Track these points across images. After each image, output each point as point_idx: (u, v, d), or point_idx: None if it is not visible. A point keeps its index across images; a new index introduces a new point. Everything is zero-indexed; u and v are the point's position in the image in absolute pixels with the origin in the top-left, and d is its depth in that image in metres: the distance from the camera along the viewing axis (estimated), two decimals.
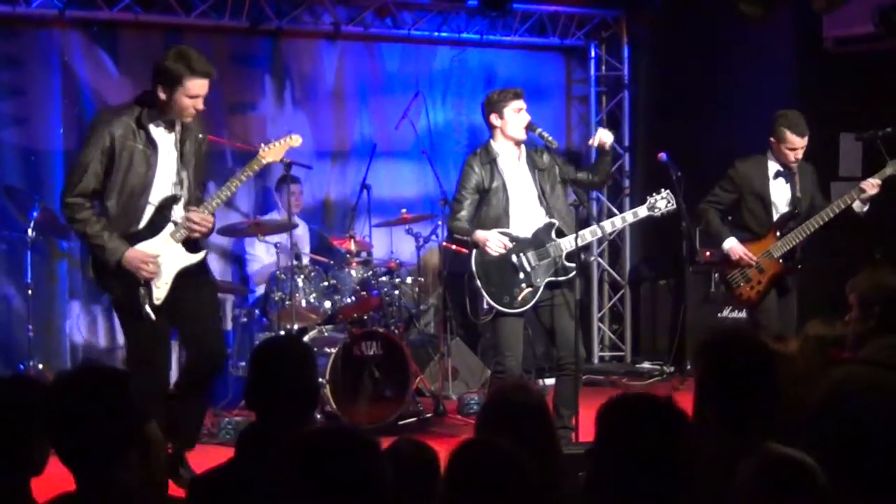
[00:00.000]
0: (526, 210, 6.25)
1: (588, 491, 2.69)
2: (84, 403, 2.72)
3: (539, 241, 6.21)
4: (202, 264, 5.62)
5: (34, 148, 8.09)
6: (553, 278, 6.20)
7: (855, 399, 3.40)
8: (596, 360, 10.28)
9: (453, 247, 7.38)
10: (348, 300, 7.64)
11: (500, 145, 6.25)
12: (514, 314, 6.15)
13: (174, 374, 6.36)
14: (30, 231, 7.38)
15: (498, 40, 9.82)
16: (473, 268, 6.16)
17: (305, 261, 8.10)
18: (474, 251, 6.17)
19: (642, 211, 6.37)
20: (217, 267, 8.62)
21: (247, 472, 3.14)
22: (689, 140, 9.20)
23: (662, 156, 6.91)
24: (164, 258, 5.36)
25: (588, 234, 6.29)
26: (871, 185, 6.57)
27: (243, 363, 7.60)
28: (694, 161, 7.76)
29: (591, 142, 6.42)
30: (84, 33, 8.22)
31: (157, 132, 5.33)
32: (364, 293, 7.68)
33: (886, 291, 3.73)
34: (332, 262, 8.12)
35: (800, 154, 6.68)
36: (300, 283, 7.50)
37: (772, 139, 6.72)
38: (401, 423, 7.37)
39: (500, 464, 2.63)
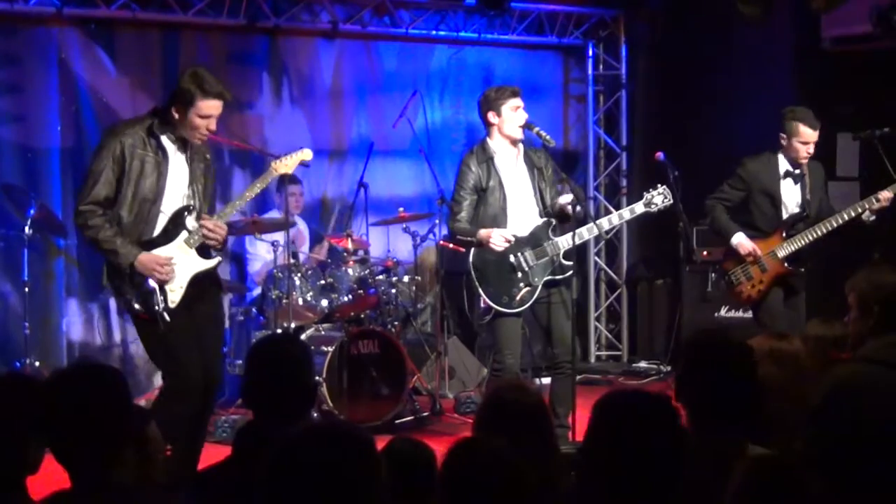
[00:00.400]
0: (523, 209, 6.25)
1: (581, 487, 2.69)
2: (79, 401, 2.71)
3: (536, 240, 6.21)
4: (216, 289, 5.65)
5: (31, 145, 8.08)
6: (551, 277, 6.20)
7: (855, 397, 3.40)
8: (593, 360, 10.28)
9: (451, 245, 7.38)
10: (345, 299, 7.63)
11: (496, 143, 6.24)
12: (512, 314, 6.15)
13: None
14: (27, 229, 7.38)
15: (496, 39, 9.82)
16: (471, 268, 6.16)
17: (302, 258, 8.09)
18: (472, 251, 6.16)
19: (639, 207, 6.35)
20: None
21: (244, 470, 3.13)
22: (686, 139, 9.21)
23: (660, 155, 6.89)
24: (178, 263, 5.39)
25: (585, 232, 6.28)
26: (886, 199, 6.56)
27: (240, 361, 7.59)
28: (691, 161, 7.76)
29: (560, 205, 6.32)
30: (81, 31, 8.21)
31: (168, 144, 5.40)
32: (361, 292, 7.68)
33: (885, 290, 3.73)
34: (329, 260, 8.11)
35: (811, 149, 6.66)
36: (297, 282, 7.50)
37: (782, 135, 6.69)
38: (398, 421, 7.37)
39: (495, 463, 2.62)
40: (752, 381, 3.17)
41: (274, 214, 8.29)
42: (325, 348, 7.27)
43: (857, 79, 8.55)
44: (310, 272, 7.70)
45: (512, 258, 6.14)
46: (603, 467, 2.64)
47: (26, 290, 7.50)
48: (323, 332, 7.63)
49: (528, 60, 10.12)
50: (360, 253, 8.16)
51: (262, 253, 8.33)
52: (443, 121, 9.70)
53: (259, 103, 8.97)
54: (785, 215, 6.78)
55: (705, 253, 9.15)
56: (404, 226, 8.39)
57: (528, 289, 6.14)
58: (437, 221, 8.29)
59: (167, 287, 5.34)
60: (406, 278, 8.37)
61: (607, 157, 10.52)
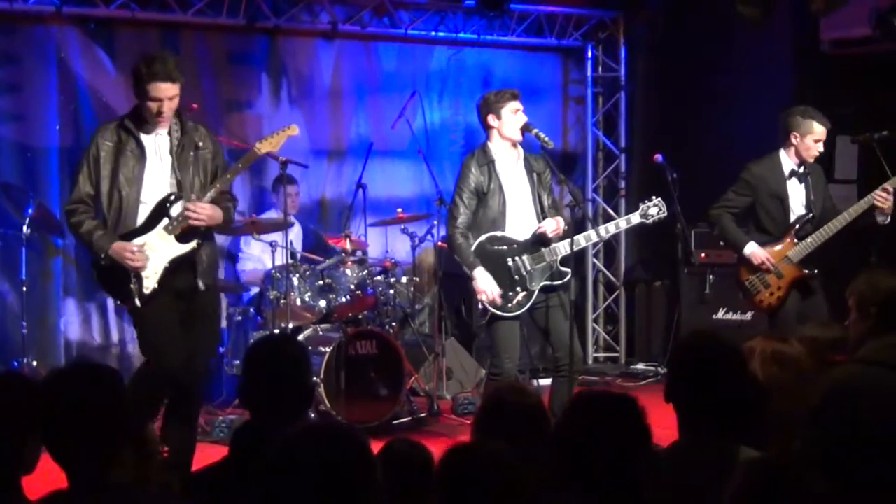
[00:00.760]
0: (522, 213, 6.24)
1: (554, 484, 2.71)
2: (76, 401, 2.71)
3: (534, 245, 6.21)
4: (207, 285, 5.64)
5: (30, 145, 8.08)
6: (548, 282, 6.20)
7: (853, 398, 3.40)
8: (591, 362, 10.28)
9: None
10: (343, 299, 7.63)
11: (496, 147, 6.23)
12: (509, 317, 6.14)
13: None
14: (25, 228, 7.39)
15: (495, 40, 9.82)
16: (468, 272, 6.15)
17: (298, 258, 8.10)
18: (471, 253, 6.15)
19: (635, 218, 6.36)
20: None
21: (241, 470, 3.13)
22: (685, 141, 9.22)
23: (658, 157, 6.89)
24: (155, 250, 5.47)
25: (582, 240, 6.27)
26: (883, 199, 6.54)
27: (237, 361, 7.59)
28: (690, 162, 7.77)
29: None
30: (81, 30, 8.22)
31: (146, 135, 5.50)
32: (359, 292, 7.67)
33: (882, 293, 3.74)
34: (327, 260, 8.11)
35: (821, 147, 6.66)
36: (295, 282, 7.50)
37: (795, 134, 6.63)
38: (395, 422, 7.37)
39: (492, 465, 2.63)
40: (743, 382, 3.17)
41: (271, 214, 8.30)
42: (322, 349, 7.27)
43: (856, 81, 8.56)
44: (308, 273, 7.70)
45: (510, 262, 6.14)
46: (569, 464, 2.67)
47: (24, 289, 7.51)
48: (321, 333, 7.63)
49: (527, 62, 10.12)
50: (359, 254, 8.16)
51: (255, 253, 8.33)
52: (442, 122, 9.70)
53: (258, 103, 8.97)
54: (792, 217, 6.76)
55: (703, 255, 9.16)
56: (403, 227, 8.39)
57: (524, 293, 6.14)
58: (435, 222, 8.29)
59: (142, 274, 5.43)
60: (404, 279, 8.37)
61: (606, 159, 10.52)
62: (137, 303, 5.42)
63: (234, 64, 8.88)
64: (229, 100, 8.83)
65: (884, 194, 6.51)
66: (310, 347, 7.24)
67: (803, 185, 6.73)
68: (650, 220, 6.31)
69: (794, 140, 6.65)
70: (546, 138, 6.18)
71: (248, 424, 3.42)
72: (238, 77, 8.90)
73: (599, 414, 2.75)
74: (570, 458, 2.69)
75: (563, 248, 6.18)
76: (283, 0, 8.79)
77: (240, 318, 7.93)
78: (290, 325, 7.26)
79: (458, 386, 8.51)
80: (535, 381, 7.90)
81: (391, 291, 8.07)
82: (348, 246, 7.83)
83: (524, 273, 6.14)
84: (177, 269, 5.51)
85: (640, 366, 9.81)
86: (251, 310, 7.91)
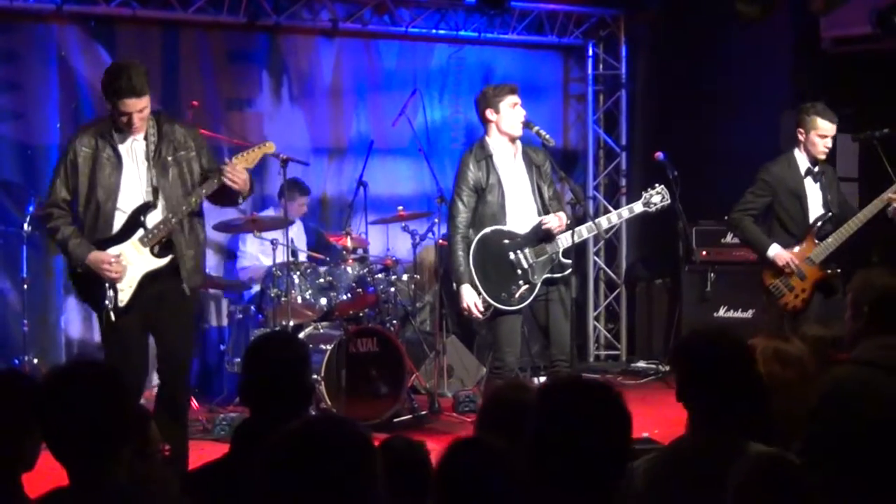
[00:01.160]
0: (522, 206, 6.24)
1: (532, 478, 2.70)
2: (77, 399, 2.70)
3: (536, 237, 6.21)
4: (179, 283, 5.55)
5: (31, 142, 8.08)
6: (549, 275, 6.19)
7: (846, 400, 3.40)
8: (591, 359, 10.28)
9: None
10: (344, 297, 7.63)
11: (494, 141, 6.23)
12: (511, 311, 6.14)
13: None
14: (26, 226, 7.39)
15: (496, 38, 9.82)
16: (471, 265, 6.15)
17: (302, 257, 8.10)
18: (472, 247, 6.15)
19: (638, 207, 6.35)
20: (211, 262, 8.61)
21: (241, 467, 3.13)
22: (685, 139, 9.21)
23: (659, 155, 6.88)
24: (130, 262, 5.42)
25: (585, 231, 6.27)
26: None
27: (238, 359, 7.59)
28: (690, 160, 7.76)
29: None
30: (81, 28, 8.22)
31: (123, 141, 5.45)
32: (360, 290, 7.67)
33: (875, 292, 3.73)
34: (328, 258, 8.11)
35: (829, 143, 6.63)
36: (296, 280, 7.50)
37: (800, 131, 6.65)
38: (396, 420, 7.36)
39: (492, 462, 2.62)
40: (752, 377, 3.16)
41: (271, 212, 8.29)
42: (323, 346, 7.27)
43: (857, 80, 8.55)
44: (309, 270, 7.70)
45: (511, 255, 6.14)
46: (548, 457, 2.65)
47: (25, 286, 7.50)
48: (321, 331, 7.62)
49: (527, 60, 10.11)
50: (360, 251, 8.16)
51: (253, 251, 8.32)
52: (442, 119, 9.70)
53: (259, 101, 8.97)
54: (811, 216, 6.74)
55: (704, 253, 9.16)
56: (403, 224, 8.39)
57: (527, 286, 6.14)
58: (436, 220, 8.29)
59: (118, 286, 5.39)
60: (405, 277, 8.37)
61: (607, 157, 10.52)
62: (112, 316, 5.39)
63: (234, 62, 8.87)
64: (230, 98, 8.83)
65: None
66: (310, 345, 7.24)
67: (818, 184, 6.72)
68: (653, 209, 6.30)
69: (801, 137, 6.66)
70: (547, 136, 6.18)
71: (248, 422, 3.42)
72: (239, 75, 8.90)
73: (574, 401, 2.69)
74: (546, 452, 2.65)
75: (564, 239, 6.18)
76: None
77: (240, 316, 7.93)
78: (291, 323, 7.26)
79: (459, 384, 8.51)
80: (535, 379, 7.90)
81: (392, 289, 8.07)
82: (349, 244, 7.83)
83: (526, 266, 6.14)
84: (157, 275, 5.46)
85: (641, 363, 9.81)
86: (252, 308, 7.90)
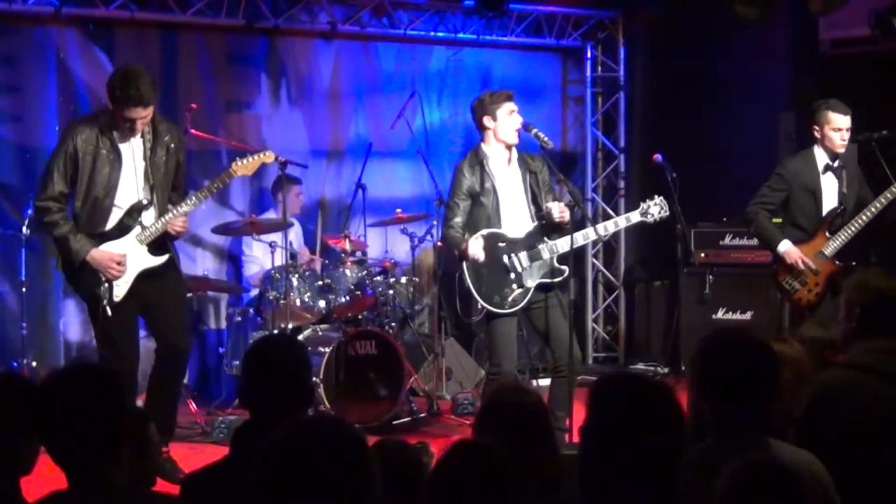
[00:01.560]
0: (516, 211, 6.25)
1: (582, 470, 2.68)
2: (76, 402, 2.70)
3: (531, 242, 6.21)
4: (172, 264, 5.87)
5: (29, 145, 8.08)
6: (544, 280, 6.19)
7: (834, 404, 3.40)
8: (590, 361, 10.27)
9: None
10: (343, 300, 7.63)
11: (490, 148, 6.26)
12: (506, 315, 6.14)
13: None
14: (24, 228, 7.39)
15: (494, 40, 9.82)
16: (465, 268, 6.16)
17: (302, 259, 8.10)
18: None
19: (635, 216, 6.36)
20: (212, 266, 8.64)
21: (241, 470, 3.13)
22: (684, 141, 9.20)
23: (658, 157, 6.89)
24: (128, 259, 5.61)
25: (580, 238, 6.27)
26: None
27: (237, 362, 7.58)
28: (689, 162, 7.76)
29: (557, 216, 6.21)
30: (80, 31, 8.22)
31: (122, 139, 5.59)
32: (359, 293, 7.67)
33: (867, 294, 3.70)
34: (326, 261, 8.11)
35: (846, 135, 6.65)
36: (295, 283, 7.50)
37: (815, 127, 6.69)
38: (395, 422, 7.36)
39: (488, 465, 2.62)
40: (776, 379, 3.15)
41: (270, 215, 8.29)
42: (322, 349, 7.26)
43: (855, 81, 8.54)
44: (307, 273, 7.69)
45: (506, 259, 6.14)
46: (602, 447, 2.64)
47: (24, 289, 7.50)
48: (320, 333, 7.62)
49: (526, 62, 10.11)
50: (358, 254, 8.16)
51: (259, 255, 8.31)
52: (441, 122, 9.70)
53: (257, 103, 8.97)
54: (825, 211, 6.75)
55: (703, 255, 9.15)
56: (402, 227, 8.39)
57: (520, 290, 6.14)
58: (434, 223, 8.29)
59: (114, 282, 5.58)
60: (404, 279, 8.37)
61: (605, 159, 10.52)
62: (108, 311, 5.59)
63: (233, 64, 8.87)
64: (228, 100, 8.83)
65: None
66: (309, 348, 7.24)
67: (837, 179, 6.73)
68: (651, 220, 6.30)
69: (816, 133, 6.70)
70: (545, 138, 6.20)
71: (247, 424, 3.41)
72: (237, 77, 8.90)
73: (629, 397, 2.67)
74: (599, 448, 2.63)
75: (561, 245, 6.18)
76: (282, 0, 8.78)
77: (239, 318, 7.92)
78: (290, 326, 7.26)
79: (458, 386, 8.51)
80: (534, 382, 7.90)
81: (391, 292, 8.07)
82: (348, 246, 7.83)
83: (520, 270, 6.14)
84: (153, 270, 5.73)
85: (640, 366, 9.80)
86: (251, 310, 7.90)
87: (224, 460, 3.34)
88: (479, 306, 6.16)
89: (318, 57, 9.20)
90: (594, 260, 10.47)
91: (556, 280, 6.22)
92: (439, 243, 8.33)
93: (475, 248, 6.08)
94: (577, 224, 6.35)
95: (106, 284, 5.59)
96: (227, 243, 8.72)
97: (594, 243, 10.10)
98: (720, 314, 9.07)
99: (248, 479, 2.28)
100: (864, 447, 3.29)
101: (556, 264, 6.22)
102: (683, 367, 8.70)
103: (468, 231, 6.18)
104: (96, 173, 5.52)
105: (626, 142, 10.41)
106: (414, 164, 9.08)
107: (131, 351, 5.68)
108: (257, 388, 3.39)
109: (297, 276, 7.54)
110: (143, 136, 5.60)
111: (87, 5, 8.07)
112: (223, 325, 8.46)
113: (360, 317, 7.77)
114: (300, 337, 7.44)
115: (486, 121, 6.23)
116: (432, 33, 9.55)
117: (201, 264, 8.55)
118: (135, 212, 5.61)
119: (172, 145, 5.74)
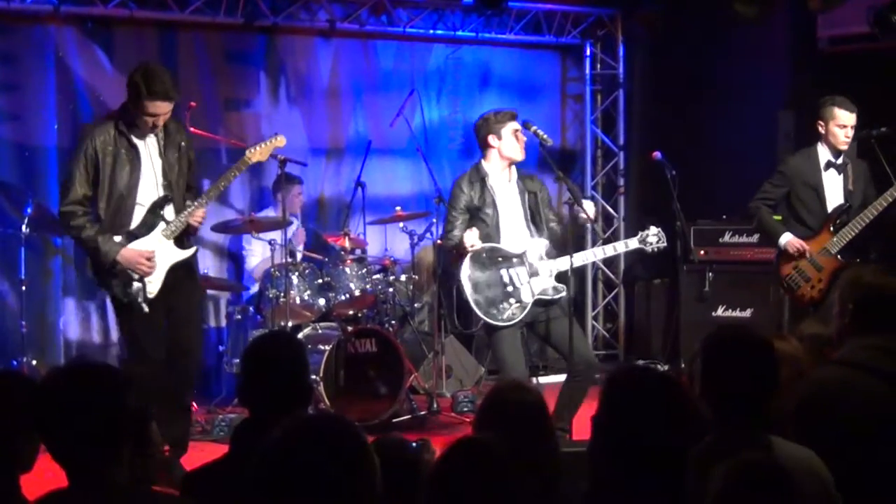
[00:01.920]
0: (515, 228, 6.30)
1: (592, 462, 2.69)
2: (76, 400, 2.70)
3: (530, 259, 6.23)
4: (193, 268, 5.96)
5: (28, 144, 8.08)
6: (541, 297, 6.20)
7: (827, 402, 3.40)
8: None
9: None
10: (343, 298, 7.63)
11: (491, 165, 6.30)
12: (504, 327, 6.13)
13: None
14: (24, 227, 7.38)
15: (493, 38, 9.82)
16: (462, 280, 6.16)
17: (299, 257, 8.09)
18: (464, 263, 6.15)
19: (633, 242, 6.45)
20: (212, 264, 8.64)
21: (240, 468, 3.12)
22: (683, 139, 9.20)
23: (657, 155, 6.91)
24: (157, 254, 5.69)
25: (578, 259, 6.29)
26: None
27: (237, 360, 7.58)
28: (688, 160, 7.76)
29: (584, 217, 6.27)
30: (79, 29, 8.22)
31: (140, 137, 5.66)
32: (358, 291, 7.67)
33: (860, 290, 3.68)
34: (326, 259, 8.11)
35: (850, 132, 6.67)
36: (295, 281, 7.50)
37: (820, 123, 6.71)
38: (395, 420, 7.36)
39: (487, 463, 2.62)
40: (777, 376, 3.16)
41: (269, 213, 8.29)
42: (322, 347, 7.27)
43: (854, 79, 8.54)
44: (307, 271, 7.69)
45: (504, 274, 6.17)
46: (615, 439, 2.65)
47: (23, 288, 7.50)
48: (320, 331, 7.63)
49: (525, 60, 10.11)
50: (358, 252, 8.16)
51: (258, 249, 8.31)
52: (440, 120, 9.70)
53: (256, 102, 8.97)
54: (829, 208, 6.75)
55: (702, 252, 9.14)
56: (401, 225, 8.39)
57: (518, 305, 6.15)
58: (434, 220, 8.29)
59: (146, 279, 5.65)
60: (403, 277, 8.36)
61: (604, 157, 10.52)
62: (145, 308, 5.65)
63: (232, 62, 8.87)
64: (227, 98, 8.83)
65: None
66: (309, 346, 7.25)
67: (841, 175, 6.74)
68: (648, 248, 6.38)
69: (821, 129, 6.71)
70: (545, 136, 6.21)
71: (247, 423, 3.42)
72: (236, 76, 8.90)
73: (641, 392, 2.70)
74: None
75: (559, 264, 6.21)
76: None
77: (239, 316, 7.93)
78: (290, 324, 7.26)
79: (458, 384, 8.52)
80: (534, 379, 7.89)
81: (390, 289, 8.07)
82: (347, 244, 7.83)
83: (518, 285, 6.17)
84: (177, 265, 5.79)
85: (640, 363, 9.80)
86: (250, 308, 7.90)
87: (224, 458, 3.34)
88: (478, 319, 6.19)
89: (317, 55, 9.20)
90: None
91: (554, 297, 6.22)
92: (439, 241, 8.34)
93: (471, 237, 6.09)
94: (577, 226, 6.38)
95: (139, 283, 5.65)
96: (227, 242, 8.72)
97: (594, 240, 10.09)
98: (720, 311, 9.06)
99: (248, 477, 2.28)
100: (857, 445, 3.28)
101: (555, 283, 6.23)
102: (683, 365, 8.71)
103: None
104: (117, 173, 5.59)
105: (626, 139, 10.41)
106: (413, 162, 9.08)
107: (157, 351, 5.70)
108: (256, 385, 3.40)
109: (296, 273, 7.54)
110: (156, 136, 5.67)
111: (85, 4, 8.07)
112: (223, 323, 8.46)
113: (359, 315, 7.77)
114: (300, 335, 7.45)
115: (492, 139, 6.27)
116: (431, 31, 9.55)
117: (201, 262, 8.45)
118: (157, 208, 5.71)
119: (183, 144, 5.81)
